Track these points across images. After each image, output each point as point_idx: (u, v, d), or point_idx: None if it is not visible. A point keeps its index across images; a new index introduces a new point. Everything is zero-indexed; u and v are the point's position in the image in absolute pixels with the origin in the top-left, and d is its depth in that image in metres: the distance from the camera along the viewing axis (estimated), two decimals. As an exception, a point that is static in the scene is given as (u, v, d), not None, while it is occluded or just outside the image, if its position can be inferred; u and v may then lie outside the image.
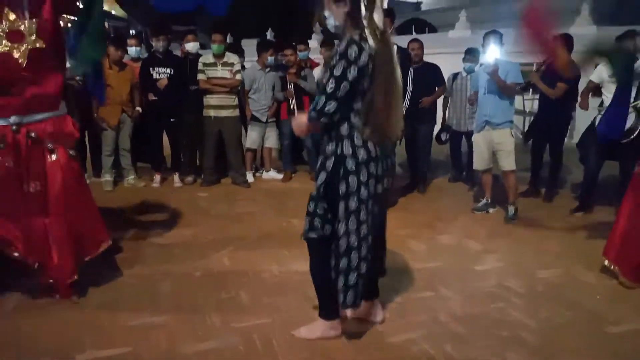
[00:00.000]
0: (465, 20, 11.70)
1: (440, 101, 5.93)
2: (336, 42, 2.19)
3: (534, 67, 5.31)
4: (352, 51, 2.02)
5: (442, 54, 7.38)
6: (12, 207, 2.74)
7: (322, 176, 2.24)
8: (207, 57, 5.71)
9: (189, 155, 6.08)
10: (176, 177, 5.88)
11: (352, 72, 2.02)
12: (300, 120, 2.30)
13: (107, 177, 5.57)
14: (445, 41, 10.74)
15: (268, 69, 5.96)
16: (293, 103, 5.95)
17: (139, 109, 5.63)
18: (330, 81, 2.05)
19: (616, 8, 14.93)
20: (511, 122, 4.64)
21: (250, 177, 6.07)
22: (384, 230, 2.55)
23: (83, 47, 2.91)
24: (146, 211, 4.83)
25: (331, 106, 2.06)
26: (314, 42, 9.08)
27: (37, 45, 2.69)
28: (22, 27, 2.66)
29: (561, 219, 4.69)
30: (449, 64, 6.10)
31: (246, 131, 6.17)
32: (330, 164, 2.18)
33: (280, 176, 6.25)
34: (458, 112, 5.92)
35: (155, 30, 5.92)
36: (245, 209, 5.02)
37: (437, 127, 5.89)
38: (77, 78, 5.19)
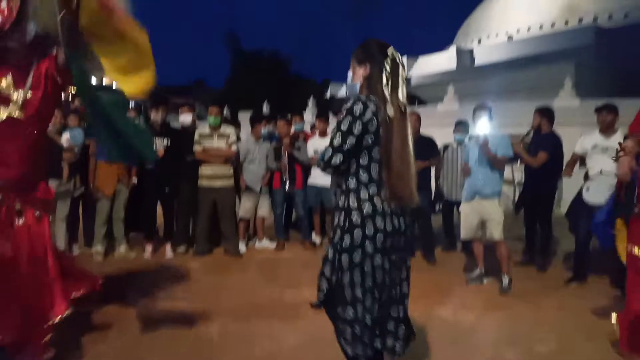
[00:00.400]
0: (452, 94, 12.18)
1: (432, 172, 6.07)
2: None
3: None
4: (358, 108, 2.13)
5: (432, 127, 7.62)
6: None
7: (337, 233, 2.24)
8: (204, 129, 5.87)
9: (182, 225, 6.08)
10: (168, 247, 5.83)
11: (358, 127, 2.13)
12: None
13: (99, 248, 5.52)
14: (434, 114, 11.12)
15: (262, 140, 6.12)
16: (286, 173, 6.06)
17: (134, 178, 5.69)
18: (337, 135, 2.14)
19: (598, 81, 15.65)
20: (499, 192, 4.72)
21: (242, 247, 6.05)
22: (404, 288, 2.41)
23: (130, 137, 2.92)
24: (136, 282, 4.75)
25: (337, 158, 2.14)
26: (308, 115, 9.41)
27: (15, 115, 2.63)
28: (12, 95, 2.63)
29: (556, 289, 4.65)
30: (437, 136, 6.30)
31: (240, 201, 6.22)
32: (340, 218, 2.23)
33: (273, 245, 6.23)
34: (449, 182, 6.03)
35: (153, 102, 6.11)
36: (237, 279, 4.95)
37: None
38: (75, 149, 5.32)
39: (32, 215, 2.73)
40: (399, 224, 2.24)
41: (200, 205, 5.80)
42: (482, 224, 4.74)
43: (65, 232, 5.44)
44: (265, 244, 6.27)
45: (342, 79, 27.00)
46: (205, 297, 4.33)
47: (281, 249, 6.17)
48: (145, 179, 5.69)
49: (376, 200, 2.18)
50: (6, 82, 2.61)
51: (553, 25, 24.02)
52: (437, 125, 7.92)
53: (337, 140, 2.14)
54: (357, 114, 2.13)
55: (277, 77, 22.16)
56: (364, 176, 2.20)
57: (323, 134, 6.23)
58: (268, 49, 24.18)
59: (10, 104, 2.62)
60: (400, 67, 2.24)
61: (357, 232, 2.16)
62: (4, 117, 2.59)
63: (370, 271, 2.19)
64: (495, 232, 4.63)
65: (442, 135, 6.57)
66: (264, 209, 6.23)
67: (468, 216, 4.82)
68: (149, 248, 5.75)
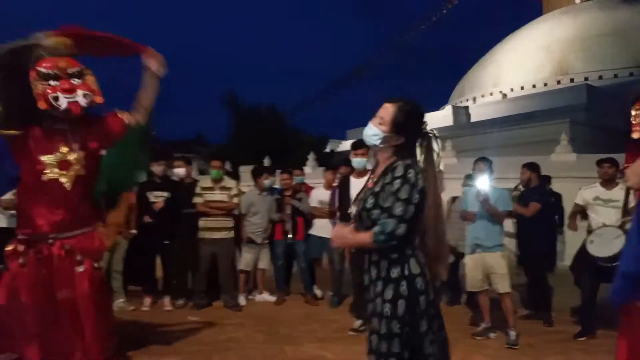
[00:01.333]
0: (450, 149, 12.36)
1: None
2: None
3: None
4: (411, 175, 2.07)
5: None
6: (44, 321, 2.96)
7: (401, 304, 2.08)
8: (206, 181, 5.93)
9: (181, 278, 5.99)
10: (167, 300, 5.72)
11: (416, 195, 2.05)
12: (345, 234, 2.23)
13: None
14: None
15: (265, 193, 6.16)
16: (289, 225, 6.05)
17: (134, 231, 5.67)
18: (398, 204, 2.04)
19: (592, 137, 15.93)
20: (502, 245, 4.70)
21: (242, 300, 5.94)
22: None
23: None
24: (132, 336, 4.61)
25: (402, 229, 2.03)
26: (308, 169, 9.50)
27: (80, 173, 3.10)
28: (71, 158, 3.07)
29: (564, 343, 4.53)
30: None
31: (240, 253, 6.16)
32: (404, 289, 2.08)
33: (273, 299, 6.11)
34: (456, 234, 6.01)
35: (155, 155, 6.19)
36: (234, 335, 4.81)
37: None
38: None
39: (90, 264, 3.12)
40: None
41: (200, 257, 5.74)
42: (487, 277, 4.69)
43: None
44: (266, 297, 6.16)
45: (340, 136, 27.51)
46: (202, 352, 4.20)
47: (281, 302, 6.05)
48: (145, 232, 5.67)
49: (432, 263, 2.16)
50: (64, 148, 3.05)
51: (545, 84, 24.76)
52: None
53: (400, 210, 2.03)
54: (413, 181, 2.06)
55: (276, 131, 22.53)
56: (416, 241, 2.14)
57: (329, 186, 6.27)
58: (266, 103, 24.57)
59: (72, 166, 3.06)
60: (434, 142, 2.20)
61: (423, 300, 2.09)
62: (68, 179, 3.04)
63: (435, 338, 2.13)
64: (501, 285, 4.57)
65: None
66: (264, 261, 6.18)
67: (472, 270, 4.78)
68: (147, 301, 5.64)
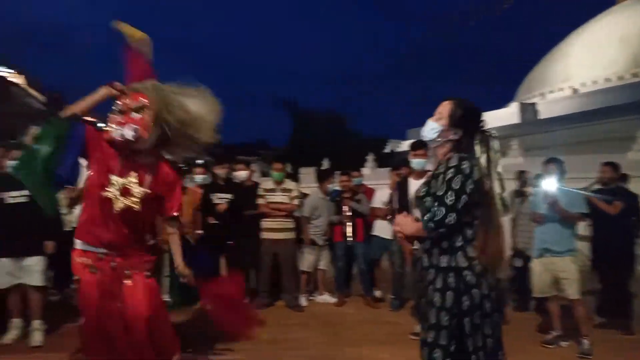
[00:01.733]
0: (517, 148, 11.88)
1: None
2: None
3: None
4: (466, 167, 2.10)
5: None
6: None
7: (450, 296, 2.12)
8: (268, 184, 6.07)
9: (244, 278, 6.13)
10: (230, 299, 5.87)
11: (470, 186, 2.08)
12: (407, 223, 2.26)
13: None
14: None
15: (329, 197, 6.24)
16: (348, 226, 6.05)
17: (200, 232, 5.87)
18: (450, 194, 2.08)
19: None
20: (574, 250, 4.46)
21: (303, 301, 6.00)
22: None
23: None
24: (195, 333, 4.77)
25: (451, 218, 2.07)
26: (367, 170, 9.46)
27: (136, 207, 3.02)
28: (135, 190, 3.04)
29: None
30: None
31: (302, 254, 6.24)
32: (451, 280, 2.13)
33: (333, 300, 6.13)
34: (525, 236, 5.79)
35: (218, 159, 6.42)
36: (296, 334, 4.87)
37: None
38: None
39: (141, 276, 3.11)
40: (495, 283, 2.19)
41: (262, 257, 5.87)
42: (556, 282, 4.47)
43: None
44: (326, 298, 6.19)
45: (400, 136, 27.15)
46: (264, 351, 4.28)
47: (342, 304, 6.06)
48: (209, 232, 5.86)
49: (482, 257, 2.13)
50: (133, 178, 3.04)
51: (620, 78, 23.24)
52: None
53: (451, 199, 2.07)
54: (467, 172, 2.10)
55: (335, 134, 22.67)
56: (468, 233, 2.15)
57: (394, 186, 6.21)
58: (326, 107, 24.92)
59: (131, 197, 3.03)
60: (491, 141, 2.22)
61: (475, 293, 2.09)
62: (123, 206, 3.00)
63: (491, 332, 2.12)
64: (571, 290, 4.35)
65: (506, 190, 6.36)
66: (324, 262, 6.23)
67: (539, 274, 4.57)
68: (211, 299, 5.81)
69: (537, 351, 4.38)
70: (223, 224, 5.81)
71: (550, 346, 4.47)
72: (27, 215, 4.20)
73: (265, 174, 10.41)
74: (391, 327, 5.09)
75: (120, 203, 2.98)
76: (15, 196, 4.31)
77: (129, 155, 3.03)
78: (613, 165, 5.47)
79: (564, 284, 4.40)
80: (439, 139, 2.27)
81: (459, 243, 2.14)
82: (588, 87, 23.71)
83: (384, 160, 16.36)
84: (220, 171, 6.09)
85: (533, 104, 24.59)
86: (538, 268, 4.59)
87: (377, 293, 6.33)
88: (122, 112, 2.95)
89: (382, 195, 6.21)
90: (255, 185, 6.24)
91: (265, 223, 5.88)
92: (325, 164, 15.91)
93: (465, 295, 2.10)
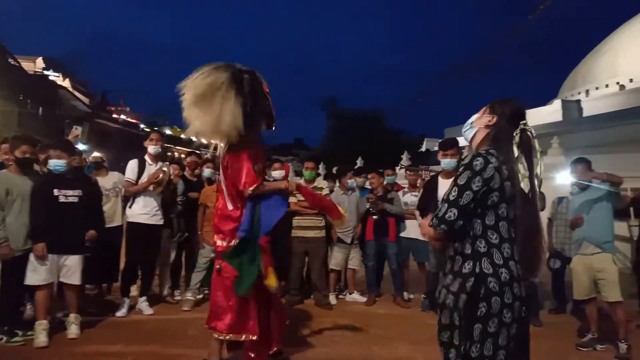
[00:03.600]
0: (557, 147, 11.52)
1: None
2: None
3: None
4: (478, 163, 2.02)
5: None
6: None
7: (462, 298, 2.05)
8: (300, 182, 6.10)
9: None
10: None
11: (477, 183, 2.00)
12: (424, 225, 2.21)
13: (189, 296, 5.64)
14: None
15: (350, 192, 6.22)
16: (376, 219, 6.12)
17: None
18: (453, 190, 2.04)
19: None
20: (611, 244, 4.31)
21: (333, 299, 6.02)
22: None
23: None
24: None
25: (452, 214, 2.01)
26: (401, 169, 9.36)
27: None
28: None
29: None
30: (542, 188, 5.95)
31: (331, 252, 6.26)
32: (470, 285, 2.03)
33: (363, 299, 6.13)
34: (562, 237, 5.63)
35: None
36: (325, 332, 4.89)
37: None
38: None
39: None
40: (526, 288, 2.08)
41: (293, 254, 5.93)
42: (595, 283, 4.33)
43: (169, 278, 5.81)
44: (356, 297, 6.19)
45: (438, 135, 26.80)
46: (292, 348, 4.32)
47: (372, 303, 6.04)
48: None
49: (511, 264, 2.03)
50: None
51: (672, 72, 22.16)
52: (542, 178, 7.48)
53: (453, 195, 2.02)
54: (478, 169, 2.01)
55: (373, 132, 22.62)
56: (493, 237, 2.04)
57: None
58: (364, 106, 24.87)
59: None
60: (532, 139, 2.14)
61: (495, 301, 1.99)
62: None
63: (505, 343, 2.02)
64: (610, 292, 4.20)
65: (545, 188, 6.17)
66: (355, 261, 6.22)
67: (579, 275, 4.45)
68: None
69: (573, 355, 4.26)
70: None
71: (585, 349, 4.33)
72: (75, 215, 4.41)
73: (298, 174, 10.52)
74: (423, 327, 5.03)
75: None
76: (68, 195, 4.46)
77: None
78: None
79: (602, 285, 4.26)
80: (474, 133, 2.23)
81: (483, 249, 2.04)
82: (636, 83, 22.69)
83: (419, 159, 16.21)
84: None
85: (577, 101, 23.77)
86: (578, 268, 4.47)
87: (406, 294, 6.28)
88: None
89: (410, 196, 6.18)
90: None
91: (296, 221, 5.93)
92: (359, 163, 15.92)
93: (483, 302, 2.00)
